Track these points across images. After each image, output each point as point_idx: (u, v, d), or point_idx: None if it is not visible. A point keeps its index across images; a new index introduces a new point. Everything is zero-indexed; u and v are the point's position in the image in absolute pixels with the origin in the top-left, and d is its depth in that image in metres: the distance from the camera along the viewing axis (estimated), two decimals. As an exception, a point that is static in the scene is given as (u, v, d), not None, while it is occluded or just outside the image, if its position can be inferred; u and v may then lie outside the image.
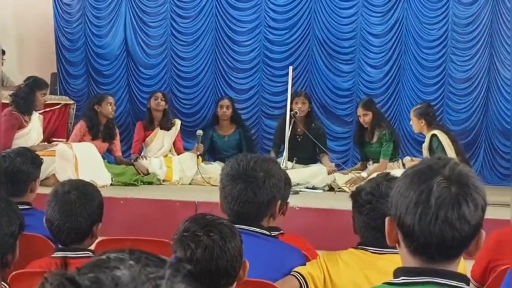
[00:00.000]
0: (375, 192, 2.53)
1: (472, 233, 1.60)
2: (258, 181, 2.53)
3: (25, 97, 7.18)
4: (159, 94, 8.19)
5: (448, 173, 1.59)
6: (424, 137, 7.38)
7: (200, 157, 7.98)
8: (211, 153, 8.39)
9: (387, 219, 1.68)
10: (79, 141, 7.51)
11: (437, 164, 1.62)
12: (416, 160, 7.19)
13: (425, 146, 7.23)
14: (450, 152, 6.92)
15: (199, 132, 7.98)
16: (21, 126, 7.20)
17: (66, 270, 0.96)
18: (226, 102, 8.33)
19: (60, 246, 2.81)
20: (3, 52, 8.71)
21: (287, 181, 2.96)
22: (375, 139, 7.77)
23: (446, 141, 7.06)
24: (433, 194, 1.57)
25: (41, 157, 3.98)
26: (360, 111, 7.77)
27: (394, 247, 1.72)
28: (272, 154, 7.91)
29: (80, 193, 2.79)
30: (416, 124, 7.27)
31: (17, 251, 2.66)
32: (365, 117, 7.70)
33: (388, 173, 2.73)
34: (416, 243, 1.62)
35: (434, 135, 7.11)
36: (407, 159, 7.43)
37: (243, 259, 2.13)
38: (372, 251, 2.54)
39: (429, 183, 1.59)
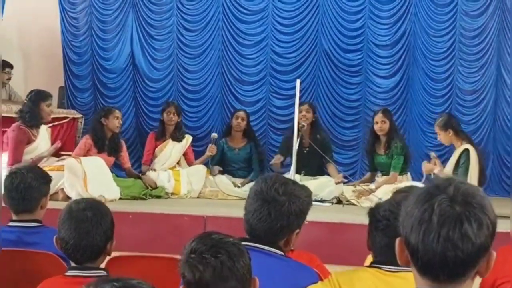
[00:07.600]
0: (394, 210, 2.52)
1: (477, 253, 1.58)
2: (277, 203, 2.52)
3: (30, 111, 7.13)
4: (172, 109, 8.15)
5: (453, 192, 1.59)
6: (438, 148, 7.25)
7: (208, 169, 8.00)
8: (220, 165, 8.35)
9: (397, 240, 1.68)
10: (85, 155, 7.43)
11: (443, 184, 1.62)
12: (436, 163, 7.19)
13: (453, 160, 7.07)
14: (474, 170, 6.82)
15: (214, 134, 8.16)
16: (29, 141, 7.16)
17: None
18: (241, 114, 8.37)
19: (73, 264, 2.79)
20: (11, 67, 8.72)
21: None
22: (387, 150, 7.72)
23: (475, 158, 6.93)
24: (434, 213, 1.57)
25: (50, 171, 3.97)
26: (379, 117, 7.68)
27: (408, 266, 1.71)
28: (279, 157, 7.99)
29: (96, 211, 2.77)
30: (444, 137, 7.15)
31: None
32: (383, 124, 7.63)
33: (408, 192, 2.70)
34: (421, 262, 1.61)
35: (466, 150, 6.98)
36: (433, 155, 7.44)
37: (252, 276, 2.11)
38: (386, 269, 2.52)
39: (432, 202, 1.58)
